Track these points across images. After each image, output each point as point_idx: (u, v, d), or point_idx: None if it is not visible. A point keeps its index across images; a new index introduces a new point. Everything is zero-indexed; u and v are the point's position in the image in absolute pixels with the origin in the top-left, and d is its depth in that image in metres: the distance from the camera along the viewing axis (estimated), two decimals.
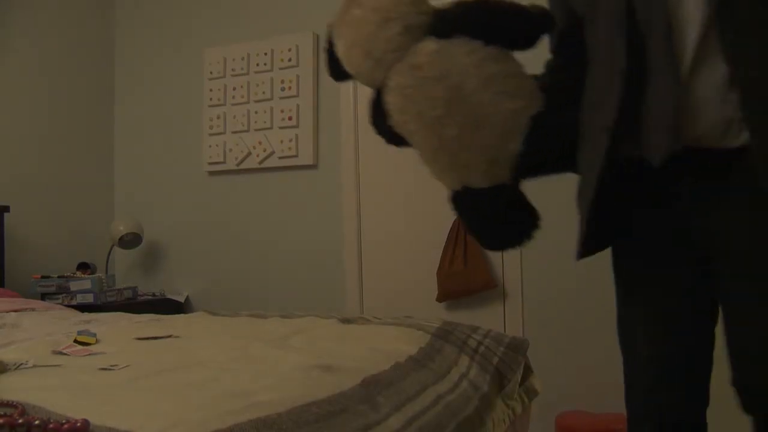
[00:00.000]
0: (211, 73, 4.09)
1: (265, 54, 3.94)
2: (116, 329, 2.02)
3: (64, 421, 0.92)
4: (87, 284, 3.54)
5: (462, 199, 1.40)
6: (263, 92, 3.93)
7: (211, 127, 4.08)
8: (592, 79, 1.26)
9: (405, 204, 3.50)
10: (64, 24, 4.16)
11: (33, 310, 2.52)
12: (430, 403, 1.47)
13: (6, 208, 3.55)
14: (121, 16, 4.50)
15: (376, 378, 1.43)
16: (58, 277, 3.61)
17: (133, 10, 4.46)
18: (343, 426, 1.17)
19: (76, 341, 1.69)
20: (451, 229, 3.27)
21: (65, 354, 1.56)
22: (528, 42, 1.34)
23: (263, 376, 1.29)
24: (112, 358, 1.46)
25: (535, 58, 1.41)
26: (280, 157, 3.87)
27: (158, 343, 1.79)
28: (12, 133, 3.83)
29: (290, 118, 3.86)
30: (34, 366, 1.39)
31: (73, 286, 3.58)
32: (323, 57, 1.47)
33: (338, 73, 1.44)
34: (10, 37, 3.84)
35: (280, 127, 3.88)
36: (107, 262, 4.10)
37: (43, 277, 3.60)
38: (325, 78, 3.82)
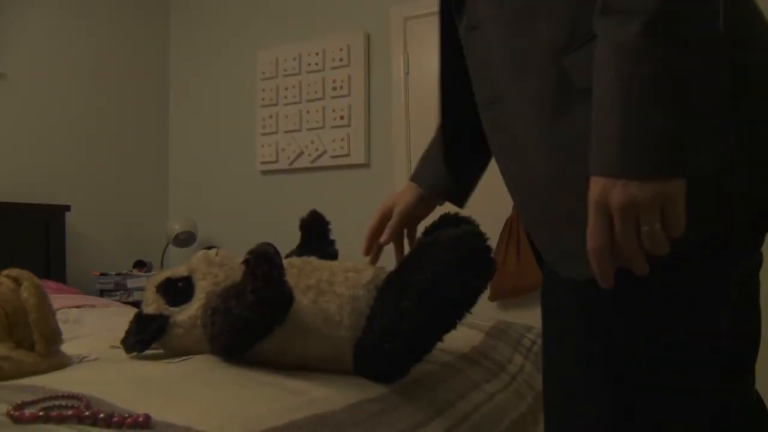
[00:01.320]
0: (263, 73, 4.14)
1: (317, 54, 3.97)
2: None
3: (126, 415, 0.95)
4: (143, 282, 3.62)
5: None
6: (315, 92, 3.97)
7: (263, 127, 4.13)
8: None
9: None
10: (120, 26, 4.26)
11: (93, 306, 2.58)
12: (482, 401, 1.47)
13: (67, 208, 3.66)
14: (176, 18, 4.59)
15: (427, 376, 1.43)
16: (116, 274, 3.70)
17: (187, 13, 4.54)
18: (396, 423, 1.17)
19: None
20: (503, 227, 3.25)
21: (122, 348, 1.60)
22: None
23: (317, 373, 1.30)
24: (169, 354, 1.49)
25: None
26: (332, 156, 3.90)
27: None
28: (72, 135, 3.93)
29: (342, 117, 3.88)
30: (97, 359, 1.43)
31: (130, 283, 3.66)
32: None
33: None
34: (65, 37, 3.94)
35: (332, 127, 3.91)
36: (162, 259, 4.18)
37: (101, 274, 3.70)
38: (377, 77, 3.84)
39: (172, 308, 1.45)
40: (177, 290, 1.47)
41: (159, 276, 1.52)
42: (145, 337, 1.42)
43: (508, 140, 1.02)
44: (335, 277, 1.36)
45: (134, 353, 1.45)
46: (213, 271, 1.48)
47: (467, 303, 1.26)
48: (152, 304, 1.47)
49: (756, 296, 1.11)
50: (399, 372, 1.32)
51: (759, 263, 1.09)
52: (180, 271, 1.51)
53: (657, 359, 0.88)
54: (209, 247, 1.58)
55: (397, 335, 1.24)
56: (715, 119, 0.78)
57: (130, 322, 1.49)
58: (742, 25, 0.85)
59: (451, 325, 1.28)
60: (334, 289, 1.33)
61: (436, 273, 1.23)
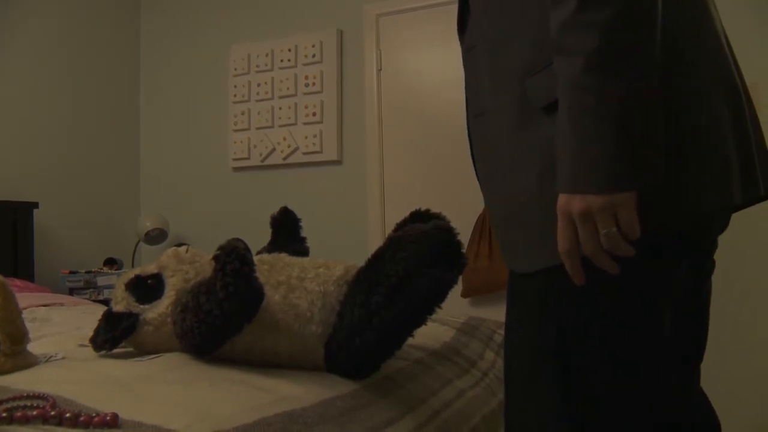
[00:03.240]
0: (235, 69, 4.12)
1: (289, 50, 3.95)
2: None
3: (94, 415, 0.94)
4: (114, 279, 3.58)
5: None
6: (287, 88, 3.95)
7: (235, 124, 4.11)
8: None
9: (429, 199, 3.47)
10: (90, 22, 4.20)
11: (62, 305, 2.55)
12: (453, 397, 1.47)
13: (35, 205, 3.60)
14: (148, 13, 4.54)
15: (399, 372, 1.43)
16: (86, 272, 3.66)
17: (159, 8, 4.49)
18: (367, 420, 1.17)
19: None
20: (475, 224, 3.27)
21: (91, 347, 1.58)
22: None
23: (288, 370, 1.30)
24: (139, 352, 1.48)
25: None
26: (304, 153, 3.88)
27: None
28: (41, 131, 3.88)
29: (314, 114, 3.87)
30: (64, 359, 1.41)
31: (100, 281, 3.62)
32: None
33: None
34: (35, 34, 3.88)
35: (305, 123, 3.90)
36: (133, 257, 4.14)
37: (71, 272, 3.65)
38: (349, 74, 3.84)
39: (141, 306, 1.43)
40: (147, 288, 1.46)
41: (128, 274, 1.51)
42: (115, 335, 1.41)
43: (485, 148, 1.14)
44: (306, 273, 1.36)
45: (103, 351, 1.43)
46: (183, 268, 1.47)
47: (438, 297, 1.27)
48: (121, 302, 1.46)
49: (705, 305, 1.18)
50: (370, 367, 1.32)
51: (707, 271, 1.16)
52: (150, 268, 1.49)
53: (601, 346, 0.98)
54: (179, 245, 1.57)
55: (367, 330, 1.24)
56: (657, 139, 0.88)
57: (99, 320, 1.47)
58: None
59: (421, 320, 1.28)
60: (305, 285, 1.33)
61: (406, 267, 1.24)
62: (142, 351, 1.45)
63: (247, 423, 1.01)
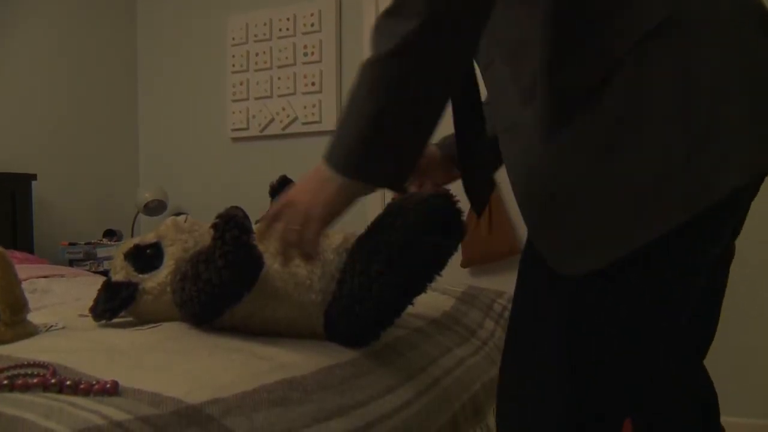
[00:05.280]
0: (233, 39, 4.08)
1: (288, 19, 3.91)
2: None
3: (94, 382, 0.94)
4: (113, 251, 3.58)
5: None
6: (286, 58, 3.92)
7: (234, 94, 4.08)
8: None
9: None
10: None
11: (62, 276, 2.55)
12: (453, 365, 1.48)
13: (33, 176, 3.59)
14: None
15: (399, 340, 1.43)
16: (86, 244, 3.66)
17: None
18: (367, 387, 1.18)
19: None
20: None
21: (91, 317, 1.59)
22: None
23: (287, 339, 1.30)
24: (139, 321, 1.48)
25: None
26: (303, 123, 3.87)
27: None
28: (37, 102, 3.86)
29: (313, 84, 3.84)
30: (64, 328, 1.41)
31: (100, 252, 3.63)
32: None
33: None
34: (34, 5, 3.85)
35: (304, 93, 3.87)
36: (133, 228, 4.14)
37: (70, 244, 3.65)
38: (348, 43, 3.80)
39: (141, 275, 1.43)
40: (146, 257, 1.45)
41: (127, 243, 1.50)
42: (114, 304, 1.41)
43: (521, 157, 1.07)
44: None
45: (103, 321, 1.43)
46: (182, 237, 1.46)
47: (437, 265, 1.27)
48: (121, 272, 1.45)
49: (717, 295, 1.16)
50: (370, 336, 1.32)
51: (725, 258, 1.14)
52: (149, 238, 1.49)
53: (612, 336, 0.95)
54: (178, 214, 1.57)
55: (367, 299, 1.23)
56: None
57: (99, 290, 1.48)
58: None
59: (421, 288, 1.28)
60: None
61: (406, 235, 1.23)
62: (142, 320, 1.45)
63: (246, 390, 1.02)
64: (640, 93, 0.89)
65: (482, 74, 1.16)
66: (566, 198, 0.95)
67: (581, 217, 0.93)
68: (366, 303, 1.24)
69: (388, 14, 0.98)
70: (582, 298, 0.95)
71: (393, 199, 1.39)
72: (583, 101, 0.93)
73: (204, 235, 1.44)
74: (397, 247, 1.23)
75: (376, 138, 1.02)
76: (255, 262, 1.24)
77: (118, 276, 1.45)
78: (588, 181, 0.93)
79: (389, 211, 1.31)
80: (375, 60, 1.00)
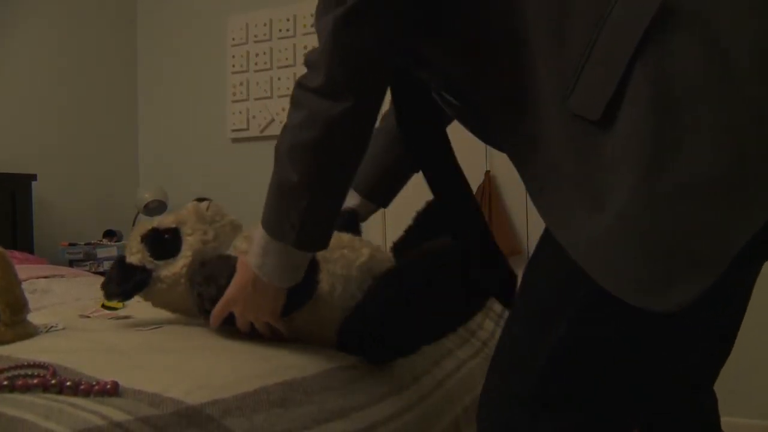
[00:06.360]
0: (233, 39, 4.08)
1: (288, 20, 3.91)
2: None
3: (94, 383, 0.94)
4: (113, 251, 3.58)
5: None
6: (286, 58, 3.92)
7: (234, 94, 4.08)
8: None
9: None
10: None
11: (62, 276, 2.55)
12: (455, 367, 1.47)
13: (33, 177, 3.59)
14: None
15: None
16: (85, 244, 3.65)
17: None
18: (368, 390, 1.17)
19: (103, 306, 1.71)
20: (476, 192, 3.26)
21: (91, 318, 1.58)
22: None
23: (289, 340, 1.30)
24: (139, 322, 1.48)
25: None
26: None
27: None
28: (37, 102, 3.85)
29: None
30: (64, 329, 1.41)
31: (100, 253, 3.62)
32: None
33: None
34: (34, 4, 3.84)
35: None
36: (132, 229, 4.13)
37: (70, 244, 3.65)
38: None
39: (156, 261, 1.39)
40: (163, 242, 1.40)
41: (145, 225, 1.45)
42: (128, 287, 1.37)
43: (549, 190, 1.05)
44: (331, 253, 1.29)
45: (115, 301, 1.41)
46: (203, 227, 1.41)
47: (462, 320, 1.27)
48: (136, 254, 1.40)
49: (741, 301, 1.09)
50: (381, 360, 1.29)
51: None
52: (168, 221, 1.44)
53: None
54: (201, 199, 1.50)
55: (386, 329, 1.22)
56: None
57: (111, 267, 1.43)
58: None
59: (442, 335, 1.28)
60: (328, 268, 1.27)
61: (437, 289, 1.24)
62: (154, 305, 1.43)
63: (247, 391, 1.01)
64: None
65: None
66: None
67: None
68: (383, 330, 1.22)
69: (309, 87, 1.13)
70: (598, 303, 0.91)
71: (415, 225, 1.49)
72: (600, 125, 0.86)
73: (225, 229, 1.42)
74: (426, 297, 1.24)
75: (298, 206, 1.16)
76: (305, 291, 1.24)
77: (132, 258, 1.40)
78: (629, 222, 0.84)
79: (422, 258, 1.30)
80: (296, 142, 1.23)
